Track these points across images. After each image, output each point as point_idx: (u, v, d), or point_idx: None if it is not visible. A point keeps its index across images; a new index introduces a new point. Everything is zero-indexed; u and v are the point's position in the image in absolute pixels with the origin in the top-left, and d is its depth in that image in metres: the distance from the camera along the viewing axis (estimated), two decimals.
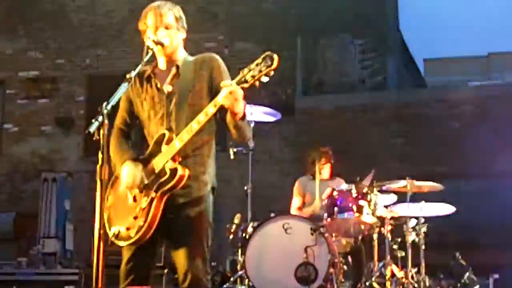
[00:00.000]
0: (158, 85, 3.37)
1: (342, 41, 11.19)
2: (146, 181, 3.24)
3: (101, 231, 2.85)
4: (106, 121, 2.90)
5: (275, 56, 2.97)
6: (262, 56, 3.00)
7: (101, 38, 11.71)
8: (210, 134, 3.35)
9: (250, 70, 3.01)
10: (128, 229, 3.23)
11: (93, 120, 2.91)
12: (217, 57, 3.43)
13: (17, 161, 11.67)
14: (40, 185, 9.79)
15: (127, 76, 3.19)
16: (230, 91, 3.03)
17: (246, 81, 3.02)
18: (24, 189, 11.41)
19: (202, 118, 3.13)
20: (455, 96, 10.21)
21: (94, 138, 2.91)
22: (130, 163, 3.28)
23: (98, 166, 2.87)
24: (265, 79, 3.00)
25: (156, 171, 3.22)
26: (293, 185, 6.46)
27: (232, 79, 3.11)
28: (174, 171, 3.17)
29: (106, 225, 3.28)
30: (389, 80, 11.28)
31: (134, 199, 3.26)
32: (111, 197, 3.32)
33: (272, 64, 2.96)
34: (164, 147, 3.22)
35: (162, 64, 3.43)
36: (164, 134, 3.25)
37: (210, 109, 3.11)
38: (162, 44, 3.31)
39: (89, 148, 10.87)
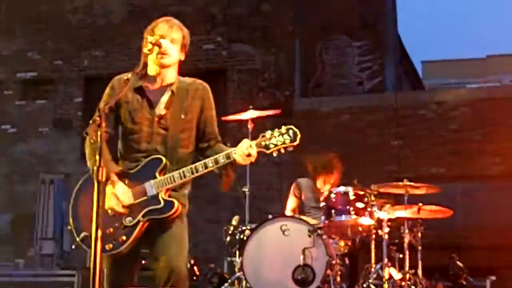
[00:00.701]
0: (153, 104, 3.36)
1: (341, 43, 11.20)
2: (133, 201, 3.25)
3: (99, 233, 2.86)
4: (103, 123, 2.90)
5: (298, 133, 3.11)
6: (286, 128, 3.13)
7: (99, 40, 11.70)
8: (189, 160, 3.37)
9: (271, 138, 3.13)
10: (103, 239, 3.21)
11: (90, 122, 2.91)
12: (208, 87, 3.49)
13: (15, 162, 11.65)
14: (38, 187, 9.77)
15: (125, 77, 3.20)
16: (249, 154, 3.15)
17: (266, 147, 3.14)
18: (22, 191, 11.39)
19: (210, 164, 3.21)
20: (453, 98, 10.23)
21: (91, 140, 2.92)
22: (122, 184, 3.27)
23: (95, 168, 2.87)
24: (282, 150, 3.14)
25: (148, 195, 3.25)
26: (290, 186, 6.46)
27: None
28: (170, 204, 3.24)
29: (72, 224, 3.32)
30: (387, 82, 11.29)
31: (114, 213, 3.27)
32: (86, 200, 3.28)
33: (295, 140, 3.10)
34: (158, 173, 3.25)
35: (152, 72, 3.39)
36: (160, 160, 3.27)
37: (222, 159, 3.20)
38: (159, 45, 3.30)
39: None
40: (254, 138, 6.01)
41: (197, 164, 3.23)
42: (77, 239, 3.29)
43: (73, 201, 3.42)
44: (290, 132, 3.11)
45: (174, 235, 3.27)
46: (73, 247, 3.35)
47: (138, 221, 3.23)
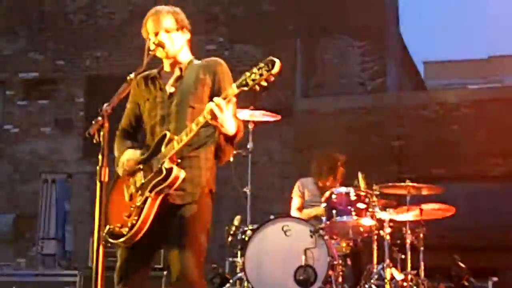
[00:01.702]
0: (162, 86, 3.40)
1: (342, 43, 11.20)
2: (143, 180, 3.25)
3: (101, 233, 2.85)
4: (106, 123, 2.90)
5: (277, 61, 2.94)
6: (264, 61, 2.98)
7: (101, 40, 11.71)
8: (208, 136, 3.33)
9: (251, 74, 2.99)
10: (121, 226, 3.23)
11: (93, 122, 2.91)
12: (222, 61, 3.44)
13: (17, 162, 11.66)
14: (40, 186, 9.78)
15: (128, 77, 3.21)
16: (214, 105, 3.03)
17: (247, 85, 3.00)
18: (24, 190, 11.40)
19: (201, 119, 3.13)
20: (454, 99, 10.23)
21: (94, 140, 2.92)
22: (129, 150, 3.35)
23: (98, 168, 2.87)
24: (264, 83, 2.98)
25: (154, 170, 3.23)
26: (292, 186, 6.47)
27: (234, 81, 3.12)
28: (169, 171, 3.17)
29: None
30: (389, 82, 11.29)
31: (130, 198, 3.28)
32: (112, 196, 3.34)
33: (273, 68, 2.94)
34: (164, 147, 3.23)
35: (166, 66, 3.47)
36: (165, 135, 3.26)
37: (206, 115, 3.11)
38: (163, 46, 3.33)
39: (88, 149, 10.88)
40: (254, 138, 6.08)
41: (191, 124, 3.16)
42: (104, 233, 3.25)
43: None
44: (268, 62, 2.95)
45: (186, 227, 3.22)
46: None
47: (147, 198, 3.20)
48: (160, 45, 3.32)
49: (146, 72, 3.31)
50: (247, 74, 3.01)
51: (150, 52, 3.30)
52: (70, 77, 11.77)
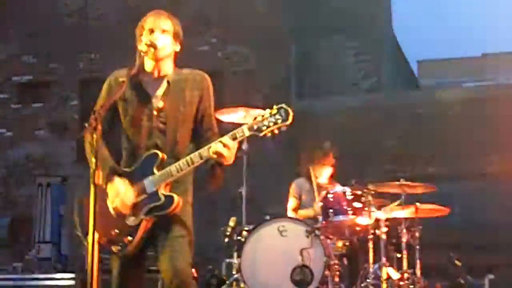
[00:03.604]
0: (148, 97, 3.35)
1: (336, 44, 11.21)
2: (134, 200, 3.22)
3: (96, 236, 2.85)
4: (98, 125, 2.89)
5: (290, 111, 3.03)
6: (277, 107, 3.05)
7: (94, 42, 11.69)
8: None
9: (264, 120, 3.04)
10: (110, 241, 3.22)
11: (86, 125, 2.90)
12: (208, 78, 3.44)
13: (11, 166, 11.63)
14: (35, 190, 9.75)
15: (120, 79, 3.19)
16: (223, 147, 3.09)
17: (259, 130, 3.05)
18: (19, 194, 11.37)
19: (205, 154, 3.15)
20: (449, 97, 10.24)
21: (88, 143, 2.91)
22: (120, 180, 3.26)
23: (91, 171, 2.86)
24: (276, 132, 3.06)
25: (147, 192, 3.21)
26: (288, 187, 6.47)
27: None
28: (170, 199, 3.19)
29: (80, 228, 3.28)
30: (383, 82, 11.31)
31: (118, 213, 3.24)
32: (87, 202, 3.22)
33: (287, 119, 3.02)
34: (156, 168, 3.21)
35: (149, 67, 3.38)
36: (156, 155, 3.24)
37: (205, 153, 3.15)
38: (155, 47, 3.30)
39: (83, 152, 10.85)
40: (249, 139, 6.06)
41: (191, 155, 3.18)
42: (86, 241, 3.25)
43: (78, 207, 3.37)
44: (282, 111, 3.04)
45: (176, 234, 3.24)
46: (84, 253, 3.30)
47: (141, 220, 3.20)
48: (152, 45, 3.29)
49: (126, 72, 3.25)
50: (259, 118, 3.05)
51: (142, 54, 3.28)
52: (63, 80, 11.74)
